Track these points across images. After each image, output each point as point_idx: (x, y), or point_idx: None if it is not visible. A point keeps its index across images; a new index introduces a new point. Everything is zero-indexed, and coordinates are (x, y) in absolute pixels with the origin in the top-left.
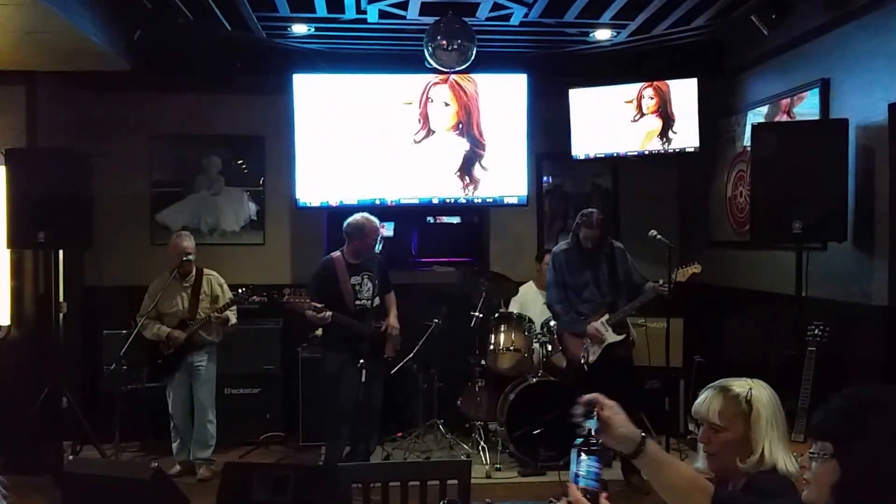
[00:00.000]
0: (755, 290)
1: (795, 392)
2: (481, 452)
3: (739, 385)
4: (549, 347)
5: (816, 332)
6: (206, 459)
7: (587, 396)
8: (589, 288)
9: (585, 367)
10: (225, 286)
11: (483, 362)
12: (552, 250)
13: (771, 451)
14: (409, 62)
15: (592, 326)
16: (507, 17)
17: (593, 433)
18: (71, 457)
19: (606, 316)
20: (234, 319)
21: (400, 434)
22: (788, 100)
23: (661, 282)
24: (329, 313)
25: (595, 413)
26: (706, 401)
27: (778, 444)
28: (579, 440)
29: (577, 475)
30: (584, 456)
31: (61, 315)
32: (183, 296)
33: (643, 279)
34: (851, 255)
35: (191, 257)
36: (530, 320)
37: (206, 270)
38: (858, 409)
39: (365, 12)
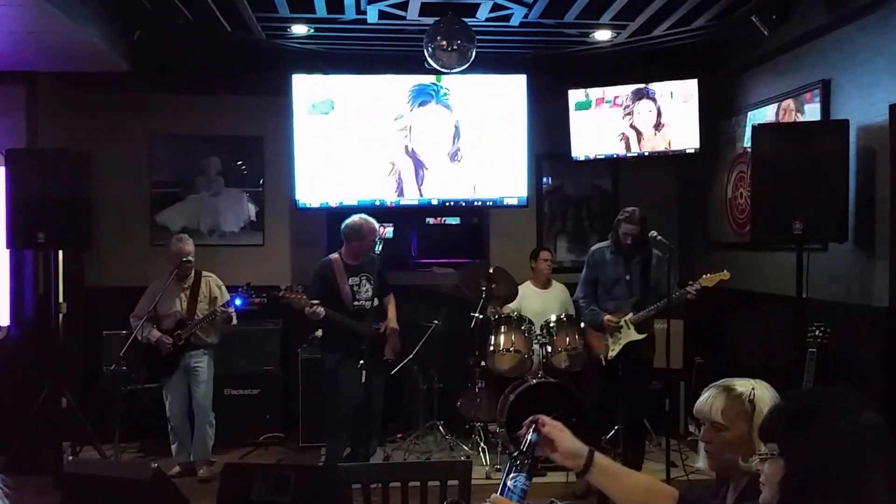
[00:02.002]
0: (756, 291)
1: None
2: (481, 453)
3: (742, 384)
4: (549, 348)
5: (817, 333)
6: (206, 460)
7: (531, 417)
8: (619, 286)
9: (604, 361)
10: (223, 287)
11: (483, 363)
12: (591, 248)
13: None
14: (409, 63)
15: (608, 317)
16: (507, 18)
17: (532, 447)
18: (71, 457)
19: (630, 314)
20: (234, 319)
21: (400, 435)
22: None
23: (690, 283)
24: (322, 309)
25: (536, 428)
26: (708, 400)
27: None
28: (517, 453)
29: (505, 486)
30: (514, 472)
31: (61, 315)
32: (181, 297)
33: (676, 289)
34: (852, 256)
35: (190, 259)
36: (530, 321)
37: (204, 272)
38: (800, 410)
39: (365, 13)
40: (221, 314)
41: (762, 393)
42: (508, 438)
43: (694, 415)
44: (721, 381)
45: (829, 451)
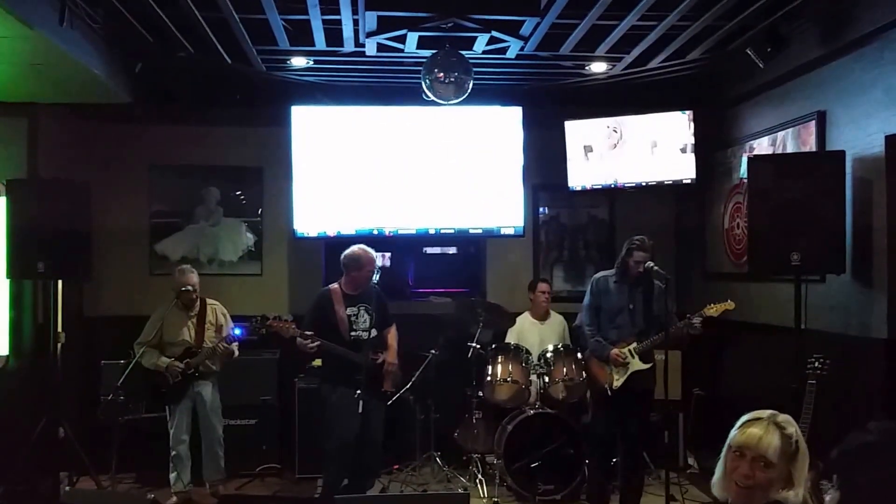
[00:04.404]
0: (754, 322)
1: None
2: (479, 485)
3: (787, 422)
4: (547, 379)
5: (816, 364)
6: (221, 479)
7: None
8: (622, 314)
9: (609, 392)
10: (228, 315)
11: (480, 393)
12: (594, 276)
13: (805, 492)
14: (407, 95)
15: (616, 351)
16: (504, 51)
17: None
18: (67, 488)
19: (634, 344)
20: (236, 352)
21: (396, 466)
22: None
23: (688, 317)
24: (316, 343)
25: None
26: (764, 437)
27: (807, 481)
28: None
29: None
30: None
31: (60, 345)
32: (189, 325)
33: (675, 321)
34: (850, 287)
35: (189, 288)
36: (528, 351)
37: (209, 300)
38: (864, 446)
39: (363, 46)
40: (224, 351)
41: (801, 435)
42: (506, 470)
43: (734, 444)
44: (764, 413)
45: (879, 488)
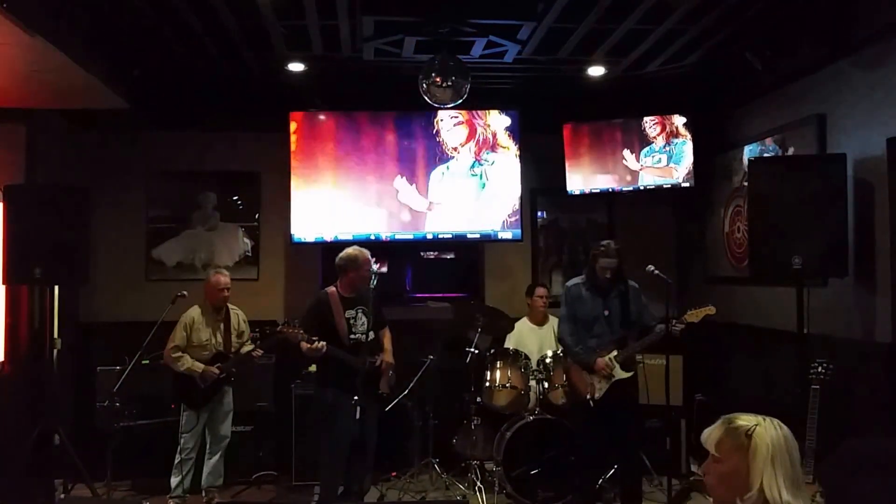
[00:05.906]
0: (756, 326)
1: (801, 431)
2: (478, 493)
3: (746, 419)
4: (546, 385)
5: (820, 369)
6: (217, 487)
7: None
8: (599, 322)
9: (591, 402)
10: (247, 322)
11: (479, 399)
12: (566, 284)
13: (772, 490)
14: (404, 99)
15: (602, 361)
16: (501, 55)
17: None
18: (62, 495)
19: (615, 352)
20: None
21: (395, 473)
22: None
23: (673, 322)
24: (323, 344)
25: None
26: (710, 430)
27: (784, 484)
28: None
29: None
30: None
31: (55, 351)
32: (218, 331)
33: (655, 321)
34: (853, 290)
35: (228, 289)
36: (526, 357)
37: (230, 305)
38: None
39: (360, 50)
40: (257, 357)
41: (765, 429)
42: (505, 477)
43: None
44: (732, 413)
45: None
